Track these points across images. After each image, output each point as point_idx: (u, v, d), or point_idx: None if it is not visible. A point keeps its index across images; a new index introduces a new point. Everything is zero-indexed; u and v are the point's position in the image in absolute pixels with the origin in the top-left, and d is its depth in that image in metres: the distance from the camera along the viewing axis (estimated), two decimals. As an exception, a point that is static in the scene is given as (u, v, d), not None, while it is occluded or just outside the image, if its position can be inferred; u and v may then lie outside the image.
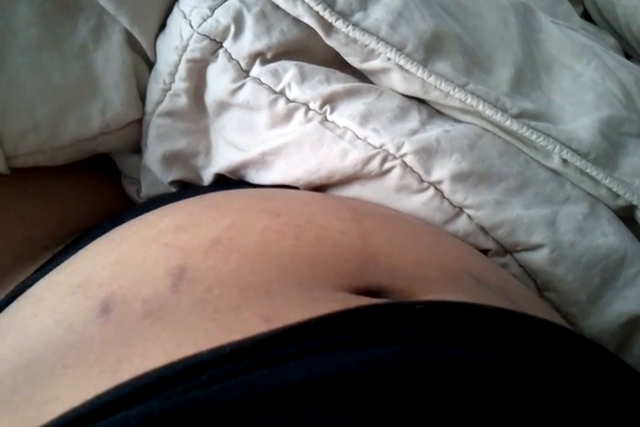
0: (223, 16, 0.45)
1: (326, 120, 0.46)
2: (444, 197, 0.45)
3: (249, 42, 0.46)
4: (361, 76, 0.50)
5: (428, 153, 0.44)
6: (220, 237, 0.34)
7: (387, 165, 0.45)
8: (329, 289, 0.32)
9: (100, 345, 0.28)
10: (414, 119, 0.47)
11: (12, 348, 0.30)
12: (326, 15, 0.45)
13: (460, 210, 0.45)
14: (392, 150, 0.44)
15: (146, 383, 0.24)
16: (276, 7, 0.46)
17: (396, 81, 0.47)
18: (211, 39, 0.46)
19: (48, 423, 0.23)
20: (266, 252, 0.33)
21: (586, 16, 0.83)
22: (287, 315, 0.28)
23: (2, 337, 0.32)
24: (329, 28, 0.46)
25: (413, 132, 0.46)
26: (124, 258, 0.34)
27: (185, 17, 0.46)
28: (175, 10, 0.48)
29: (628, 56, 0.75)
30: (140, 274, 0.32)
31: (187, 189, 0.54)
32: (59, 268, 0.37)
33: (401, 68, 0.46)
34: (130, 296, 0.30)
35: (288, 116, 0.47)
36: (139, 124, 0.52)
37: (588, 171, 0.47)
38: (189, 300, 0.30)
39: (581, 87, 0.53)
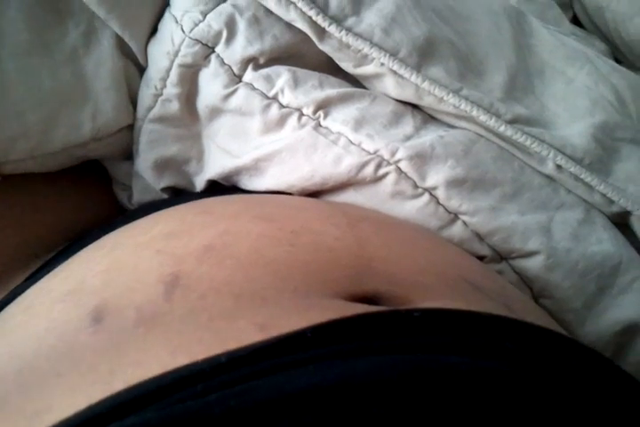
0: (215, 21, 0.45)
1: (320, 126, 0.46)
2: (438, 203, 0.45)
3: (241, 47, 0.45)
4: (354, 81, 0.49)
5: (422, 159, 0.44)
6: (213, 243, 0.34)
7: (381, 171, 0.44)
8: (325, 296, 0.31)
9: (92, 354, 0.28)
10: (408, 125, 0.47)
11: (1, 356, 0.30)
12: (319, 20, 0.44)
13: (455, 216, 0.45)
14: (386, 156, 0.44)
15: (140, 393, 0.24)
16: (269, 12, 0.46)
17: (390, 86, 0.47)
18: (202, 44, 0.45)
19: None
20: (260, 258, 0.33)
21: (575, 21, 0.83)
22: (283, 323, 0.28)
23: None
24: (322, 32, 0.45)
25: (407, 138, 0.45)
26: (116, 265, 0.34)
27: (176, 22, 0.46)
28: (166, 14, 0.48)
29: (617, 61, 0.75)
30: (132, 282, 0.32)
31: (179, 195, 0.53)
32: (50, 275, 0.36)
33: (394, 73, 0.46)
34: (122, 304, 0.30)
35: (281, 121, 0.46)
36: (130, 129, 0.51)
37: (582, 176, 0.47)
38: (183, 308, 0.29)
39: (574, 92, 0.53)
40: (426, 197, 0.45)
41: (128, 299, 0.30)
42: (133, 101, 0.50)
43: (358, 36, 0.45)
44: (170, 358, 0.26)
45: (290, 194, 0.47)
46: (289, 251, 0.34)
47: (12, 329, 0.32)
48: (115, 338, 0.28)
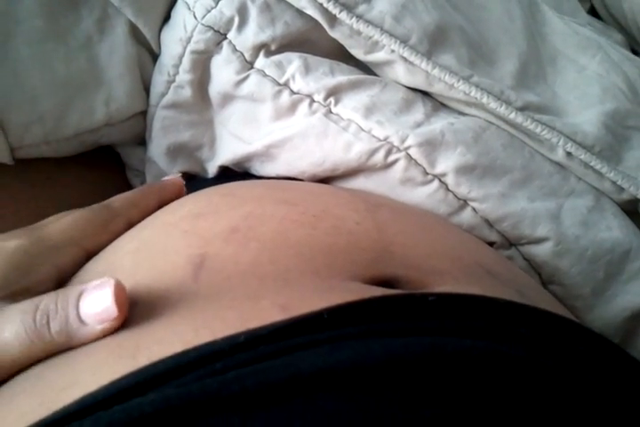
0: (227, 7, 0.45)
1: (330, 112, 0.46)
2: (448, 189, 0.45)
3: (253, 33, 0.46)
4: (365, 68, 0.50)
5: (432, 145, 0.44)
6: (238, 225, 0.34)
7: (391, 158, 0.44)
8: (344, 279, 0.32)
9: (120, 331, 0.28)
10: (419, 112, 0.47)
11: None
12: (330, 7, 0.45)
13: (464, 202, 0.45)
14: (396, 143, 0.44)
15: (161, 370, 0.24)
16: (281, -1, 0.46)
17: (401, 73, 0.47)
18: (215, 30, 0.46)
19: (64, 408, 0.23)
20: (284, 241, 0.33)
21: (593, 12, 0.82)
22: (303, 304, 0.28)
23: None
24: (333, 19, 0.46)
25: (418, 125, 0.46)
26: (145, 245, 0.35)
27: (189, 8, 0.46)
28: (179, 1, 0.48)
29: (634, 52, 0.75)
30: (162, 263, 0.32)
31: (192, 181, 0.54)
32: None
33: (405, 60, 0.46)
34: (153, 287, 0.31)
35: (292, 108, 0.46)
36: (143, 116, 0.52)
37: (592, 164, 0.47)
38: (209, 288, 0.30)
39: (586, 80, 0.53)
40: (435, 183, 0.45)
41: (159, 282, 0.31)
42: (147, 88, 0.51)
43: (369, 22, 0.45)
44: (193, 336, 0.26)
45: (301, 180, 0.47)
46: (311, 234, 0.34)
47: None
48: (143, 317, 0.29)
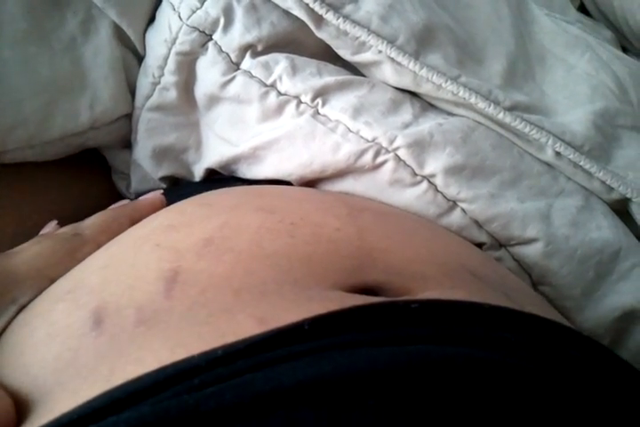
0: (212, 8, 0.45)
1: (318, 113, 0.45)
2: (437, 190, 0.44)
3: (239, 34, 0.45)
4: (352, 69, 0.49)
5: (420, 146, 0.44)
6: (212, 236, 0.33)
7: (380, 159, 0.44)
8: (324, 288, 0.31)
9: (93, 358, 0.28)
10: (407, 112, 0.46)
11: (11, 367, 0.30)
12: (316, 7, 0.44)
13: (453, 203, 0.45)
14: (385, 144, 0.44)
15: (136, 388, 0.23)
16: (267, -1, 0.46)
17: (388, 74, 0.46)
18: (200, 31, 0.45)
19: None
20: (260, 251, 0.32)
21: (582, 9, 0.82)
22: (282, 316, 0.27)
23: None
24: (319, 20, 0.45)
25: (406, 126, 0.45)
26: (115, 260, 0.34)
27: (174, 9, 0.46)
28: (164, 2, 0.48)
29: (624, 49, 0.75)
30: (132, 279, 0.31)
31: (177, 185, 0.53)
32: None
33: (392, 60, 0.45)
34: (122, 304, 0.30)
35: (279, 109, 0.46)
36: (128, 118, 0.51)
37: (581, 163, 0.47)
38: (183, 304, 0.29)
39: (575, 79, 0.52)
40: (424, 184, 0.44)
41: (128, 298, 0.30)
42: (132, 90, 0.50)
43: (356, 23, 0.45)
44: (169, 355, 0.26)
45: (289, 182, 0.47)
46: (289, 243, 0.33)
47: (15, 331, 0.32)
48: (115, 340, 0.28)
